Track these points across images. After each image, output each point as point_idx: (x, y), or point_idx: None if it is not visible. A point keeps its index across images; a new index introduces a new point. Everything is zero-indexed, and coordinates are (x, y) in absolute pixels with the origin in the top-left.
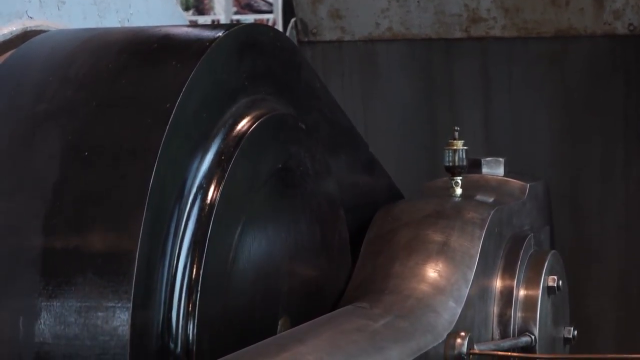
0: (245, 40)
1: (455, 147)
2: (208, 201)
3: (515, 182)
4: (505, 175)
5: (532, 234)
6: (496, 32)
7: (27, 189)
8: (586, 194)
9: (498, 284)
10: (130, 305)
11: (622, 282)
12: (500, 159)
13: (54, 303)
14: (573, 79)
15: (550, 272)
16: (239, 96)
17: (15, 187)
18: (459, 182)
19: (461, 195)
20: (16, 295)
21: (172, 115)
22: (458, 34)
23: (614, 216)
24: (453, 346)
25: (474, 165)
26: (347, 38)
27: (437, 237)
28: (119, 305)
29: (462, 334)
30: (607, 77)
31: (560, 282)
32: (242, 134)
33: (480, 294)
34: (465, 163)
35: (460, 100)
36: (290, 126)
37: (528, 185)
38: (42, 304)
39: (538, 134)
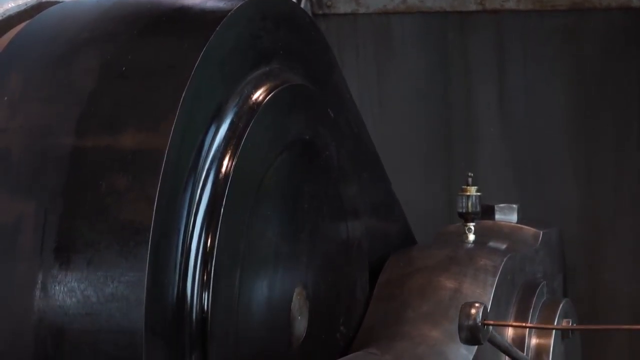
0: (265, 10)
1: (468, 193)
2: (223, 172)
3: (528, 229)
4: (518, 222)
5: (545, 282)
6: (511, 5)
7: (64, 96)
8: (601, 165)
9: (510, 331)
10: (145, 274)
11: None
12: (514, 206)
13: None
14: (588, 53)
15: (563, 320)
16: (258, 65)
17: (53, 94)
18: (472, 228)
19: (474, 242)
20: (41, 191)
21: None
22: (473, 7)
23: (629, 187)
24: (468, 315)
25: (487, 211)
26: (361, 11)
27: (450, 284)
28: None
29: (477, 304)
30: (622, 50)
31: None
32: (259, 103)
33: None
34: (478, 209)
35: (475, 73)
36: (307, 97)
37: (541, 232)
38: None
39: (552, 107)
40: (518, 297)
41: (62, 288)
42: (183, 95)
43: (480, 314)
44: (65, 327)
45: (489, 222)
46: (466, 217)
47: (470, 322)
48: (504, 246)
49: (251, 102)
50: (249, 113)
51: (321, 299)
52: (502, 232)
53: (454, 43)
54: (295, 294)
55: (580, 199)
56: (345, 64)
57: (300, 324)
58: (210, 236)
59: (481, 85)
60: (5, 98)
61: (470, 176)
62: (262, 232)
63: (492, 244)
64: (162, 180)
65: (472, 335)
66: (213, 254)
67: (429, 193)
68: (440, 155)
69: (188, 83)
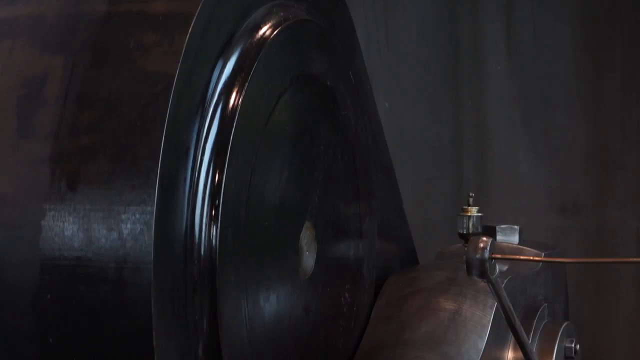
0: None
1: (469, 214)
2: (230, 107)
3: (530, 251)
4: (520, 243)
5: (546, 304)
6: None
7: None
8: (609, 100)
9: (510, 354)
10: (154, 209)
11: None
12: (515, 227)
13: None
14: None
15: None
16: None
17: None
18: None
19: None
20: (71, 47)
21: None
22: None
23: (637, 121)
24: (476, 249)
25: (489, 232)
26: None
27: (449, 305)
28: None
29: (485, 238)
30: None
31: (577, 346)
32: (265, 39)
33: None
34: (479, 230)
35: (482, 10)
36: (317, 33)
37: (543, 254)
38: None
39: (560, 43)
40: (519, 320)
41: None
42: None
43: (488, 249)
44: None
45: None
46: (466, 238)
47: (478, 257)
48: (505, 268)
49: (260, 36)
50: (257, 47)
51: (329, 251)
52: (502, 252)
53: None
54: (304, 227)
55: (588, 134)
56: (353, 4)
57: (308, 260)
58: (218, 170)
59: (488, 22)
60: None
61: (471, 196)
62: (271, 166)
63: None
64: (189, 38)
65: (480, 269)
66: (221, 188)
67: (436, 130)
68: (448, 93)
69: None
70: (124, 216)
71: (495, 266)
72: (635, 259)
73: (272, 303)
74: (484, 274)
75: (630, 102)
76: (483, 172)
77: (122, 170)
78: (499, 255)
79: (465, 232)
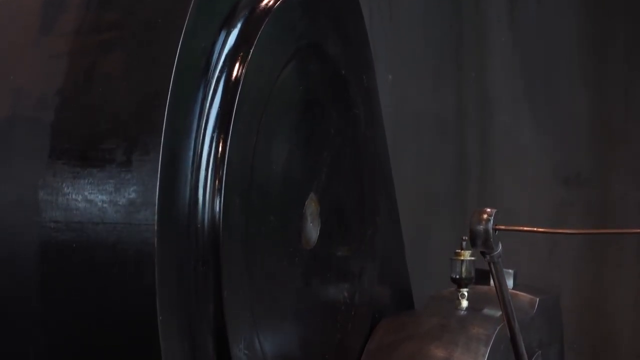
0: None
1: (462, 258)
2: (233, 77)
3: (524, 296)
4: (514, 288)
5: (541, 351)
6: None
7: None
8: (612, 72)
9: None
10: (158, 181)
11: None
12: (510, 271)
13: None
14: None
15: None
16: None
17: None
18: (465, 294)
19: (467, 309)
20: None
21: None
22: None
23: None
24: (479, 221)
25: (482, 276)
26: None
27: (440, 353)
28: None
29: (489, 210)
30: None
31: None
32: (270, 7)
33: None
34: (472, 274)
35: None
36: (324, 4)
37: (538, 299)
38: None
39: (563, 15)
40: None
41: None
42: None
43: (492, 220)
44: None
45: (483, 288)
46: (459, 283)
47: (481, 228)
48: (498, 313)
49: (262, 6)
50: (260, 17)
51: (333, 227)
52: (496, 299)
53: None
54: (309, 197)
55: (591, 106)
56: None
57: (312, 231)
58: (221, 142)
59: None
60: None
61: (465, 240)
62: (275, 136)
63: (486, 311)
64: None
65: (484, 238)
66: (224, 161)
67: (439, 102)
68: (451, 65)
69: None
70: (126, 191)
71: (498, 240)
72: (638, 230)
73: (275, 273)
74: (488, 245)
75: (633, 70)
76: (486, 144)
77: (140, 65)
78: (502, 227)
79: (457, 276)
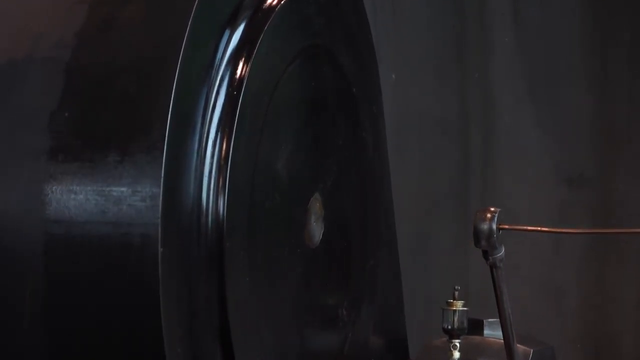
0: None
1: (454, 308)
2: (237, 75)
3: (518, 347)
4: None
5: None
6: None
7: None
8: (615, 74)
9: None
10: (162, 181)
11: None
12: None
13: None
14: None
15: None
16: None
17: None
18: (457, 345)
19: None
20: None
21: None
22: None
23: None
24: (483, 219)
25: (476, 326)
26: None
27: None
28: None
29: (492, 209)
30: None
31: None
32: (273, 8)
33: None
34: (465, 325)
35: None
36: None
37: (532, 350)
38: None
39: (567, 15)
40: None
41: None
42: None
43: (496, 219)
44: None
45: (476, 338)
46: (451, 334)
47: (485, 227)
48: None
49: (266, 6)
50: (263, 17)
51: (336, 227)
52: (490, 350)
53: None
54: (314, 197)
55: (594, 107)
56: None
57: (316, 230)
58: (225, 141)
59: None
60: None
61: (457, 290)
62: (280, 135)
63: None
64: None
65: (488, 237)
66: (228, 159)
67: (442, 102)
68: (454, 65)
69: None
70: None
71: (501, 240)
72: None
73: (278, 272)
74: (491, 243)
75: (637, 72)
76: (489, 144)
77: (157, 17)
78: (506, 226)
79: (449, 327)
